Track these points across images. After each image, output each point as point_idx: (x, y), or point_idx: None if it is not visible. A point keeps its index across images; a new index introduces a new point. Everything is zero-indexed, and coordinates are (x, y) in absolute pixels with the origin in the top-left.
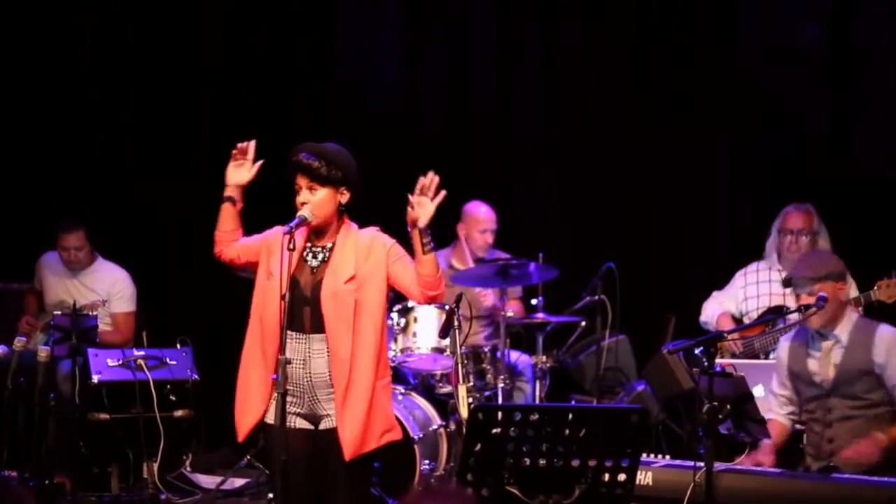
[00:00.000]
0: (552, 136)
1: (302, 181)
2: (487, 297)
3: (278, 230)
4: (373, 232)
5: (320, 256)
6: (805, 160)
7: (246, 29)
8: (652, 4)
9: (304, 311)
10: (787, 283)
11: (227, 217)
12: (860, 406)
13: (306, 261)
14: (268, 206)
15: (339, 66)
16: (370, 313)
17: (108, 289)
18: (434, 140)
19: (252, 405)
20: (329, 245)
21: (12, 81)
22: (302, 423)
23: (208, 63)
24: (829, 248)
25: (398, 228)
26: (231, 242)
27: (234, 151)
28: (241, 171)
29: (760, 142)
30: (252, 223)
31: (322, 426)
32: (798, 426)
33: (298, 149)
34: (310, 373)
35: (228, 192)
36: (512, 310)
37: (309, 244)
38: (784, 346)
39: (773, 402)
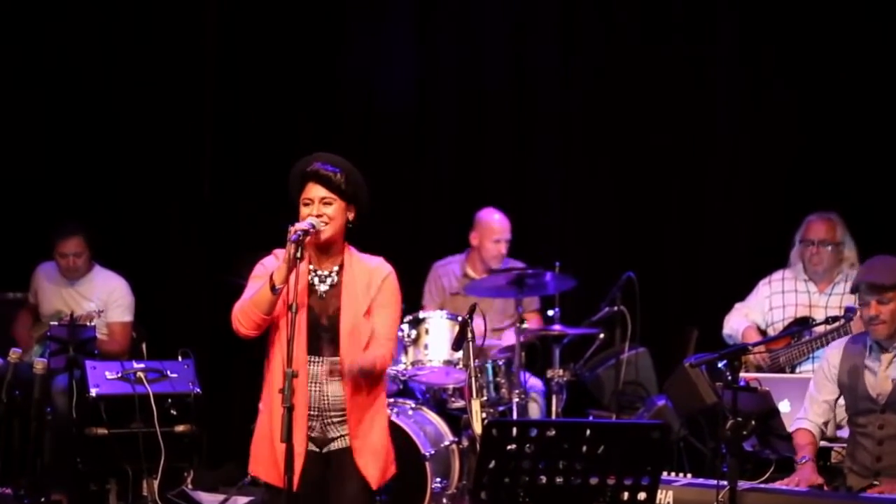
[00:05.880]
0: (569, 142)
1: (316, 193)
2: (503, 338)
3: (266, 261)
4: (380, 262)
5: (328, 281)
6: (828, 166)
7: (252, 31)
8: (672, 8)
9: (322, 338)
10: (855, 288)
11: (271, 303)
12: None
13: (313, 284)
14: (270, 212)
15: (349, 70)
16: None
17: (105, 298)
18: (447, 145)
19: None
20: (335, 269)
21: (8, 87)
22: (311, 446)
23: (213, 67)
24: (856, 259)
25: (401, 232)
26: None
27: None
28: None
29: (781, 148)
30: (255, 231)
31: (334, 447)
32: (823, 443)
33: (312, 158)
34: (327, 395)
35: (279, 282)
36: (531, 324)
37: (312, 266)
38: (835, 351)
39: (811, 409)
